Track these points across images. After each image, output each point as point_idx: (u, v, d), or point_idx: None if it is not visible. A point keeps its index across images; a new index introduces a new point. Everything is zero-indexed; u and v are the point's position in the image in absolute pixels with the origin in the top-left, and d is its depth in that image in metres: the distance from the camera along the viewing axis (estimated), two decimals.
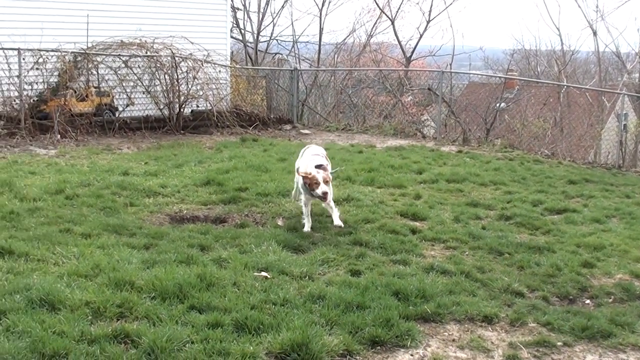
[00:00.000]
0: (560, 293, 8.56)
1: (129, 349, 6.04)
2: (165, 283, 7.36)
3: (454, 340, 7.05)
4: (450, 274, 8.84)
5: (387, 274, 8.55)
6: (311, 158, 10.92)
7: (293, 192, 12.04)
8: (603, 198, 14.97)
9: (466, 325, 7.42)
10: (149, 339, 6.02)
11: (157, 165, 15.50)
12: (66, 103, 19.70)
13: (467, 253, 10.09)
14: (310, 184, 10.26)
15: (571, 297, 8.59)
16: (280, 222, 10.99)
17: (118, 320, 6.70)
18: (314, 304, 7.39)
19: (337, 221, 10.67)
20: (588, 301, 8.56)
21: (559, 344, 7.17)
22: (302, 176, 10.37)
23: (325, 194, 10.19)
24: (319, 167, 10.47)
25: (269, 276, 8.15)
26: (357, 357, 6.49)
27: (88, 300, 6.90)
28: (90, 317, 6.63)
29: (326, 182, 10.22)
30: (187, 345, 6.11)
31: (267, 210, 11.74)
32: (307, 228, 10.51)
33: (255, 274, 8.17)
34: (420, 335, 7.04)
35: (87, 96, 20.57)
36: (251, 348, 6.18)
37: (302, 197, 10.66)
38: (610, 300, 8.61)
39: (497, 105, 26.15)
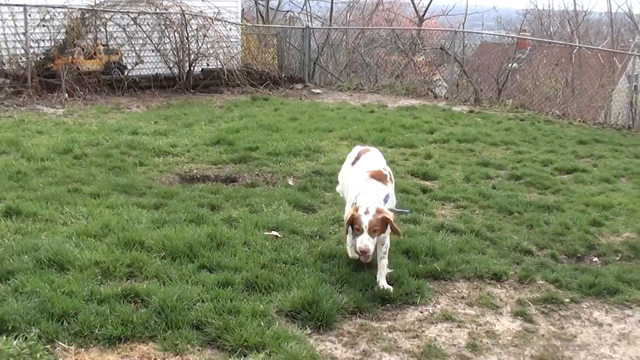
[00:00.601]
0: (569, 251, 8.58)
1: (138, 309, 6.08)
2: (175, 242, 7.39)
3: (463, 297, 7.09)
4: (460, 233, 8.87)
5: None
6: (367, 176, 7.36)
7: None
8: (612, 158, 14.93)
9: (475, 283, 7.46)
10: (159, 298, 6.06)
11: (166, 125, 15.49)
12: (74, 61, 19.54)
13: (477, 212, 10.10)
14: (351, 225, 6.90)
15: (579, 255, 8.62)
16: (290, 182, 11.00)
17: (128, 279, 6.74)
18: (325, 263, 7.42)
19: (381, 281, 7.03)
20: (596, 259, 8.59)
21: (567, 300, 7.21)
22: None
23: (364, 252, 6.73)
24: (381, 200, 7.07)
25: (279, 235, 8.17)
26: (367, 315, 6.53)
27: (97, 260, 6.93)
28: (99, 277, 6.67)
29: (374, 230, 6.70)
30: (197, 304, 6.15)
31: (277, 169, 11.74)
32: (350, 253, 7.42)
33: (266, 233, 8.19)
34: (429, 293, 7.08)
35: (95, 54, 20.37)
36: (261, 306, 6.22)
37: (348, 237, 7.39)
38: (618, 258, 8.64)
39: (509, 65, 26.02)
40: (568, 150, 15.32)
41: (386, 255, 7.15)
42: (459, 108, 20.73)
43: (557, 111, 21.85)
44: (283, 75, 24.35)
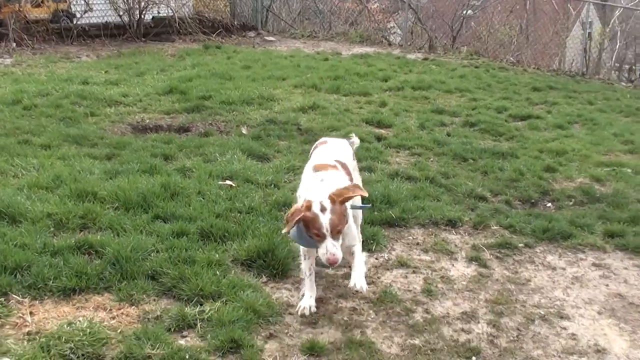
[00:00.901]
0: (523, 197, 8.66)
1: (93, 260, 6.01)
2: (128, 193, 7.31)
3: (418, 243, 7.13)
4: (414, 180, 8.89)
5: None
6: (320, 164, 5.99)
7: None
8: (566, 105, 15.07)
9: (430, 229, 7.50)
10: (113, 249, 5.99)
11: (118, 74, 15.24)
12: (20, 9, 19.15)
13: (431, 159, 10.14)
14: (307, 227, 5.25)
15: (533, 200, 8.70)
16: (244, 131, 10.93)
17: (81, 231, 6.66)
18: (280, 212, 7.39)
19: (358, 280, 5.45)
20: (549, 204, 8.68)
21: (521, 245, 7.29)
22: (296, 210, 5.26)
23: (331, 261, 5.12)
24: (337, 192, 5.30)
25: (233, 185, 8.13)
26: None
27: (50, 212, 6.83)
28: (52, 229, 6.57)
29: (337, 231, 5.14)
30: (152, 254, 6.09)
31: (231, 118, 11.65)
32: (306, 302, 5.62)
33: (220, 182, 8.14)
34: (385, 240, 7.11)
35: (42, 2, 19.98)
36: (217, 256, 6.19)
37: (300, 244, 5.75)
38: (571, 203, 8.74)
39: (464, 12, 25.99)
40: (522, 97, 15.42)
41: (358, 246, 5.79)
42: (414, 55, 20.71)
43: (511, 58, 21.96)
44: (235, 23, 24.07)
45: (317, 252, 5.30)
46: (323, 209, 5.08)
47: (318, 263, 5.63)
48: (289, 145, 10.15)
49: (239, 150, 9.46)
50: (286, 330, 5.32)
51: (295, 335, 5.25)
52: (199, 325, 5.16)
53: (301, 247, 5.68)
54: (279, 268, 6.16)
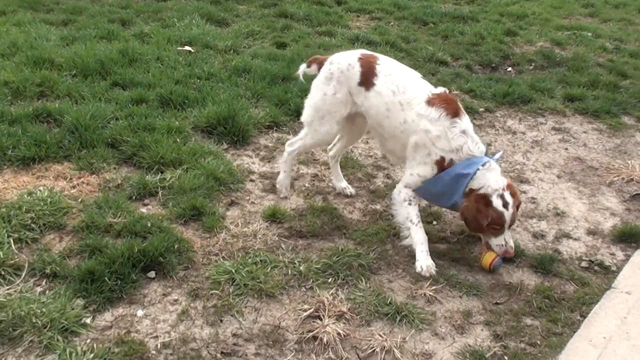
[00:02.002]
0: (483, 61, 8.65)
1: (52, 128, 5.94)
2: (86, 60, 7.18)
3: None
4: (375, 45, 8.82)
5: (312, 46, 8.49)
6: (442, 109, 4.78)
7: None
8: None
9: None
10: (72, 117, 5.90)
11: None
12: None
13: (392, 23, 10.05)
14: (485, 225, 4.70)
15: (494, 65, 8.70)
16: None
17: (39, 99, 6.56)
18: (240, 78, 7.33)
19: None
20: (510, 69, 8.69)
21: (481, 109, 7.33)
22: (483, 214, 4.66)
23: (509, 254, 4.79)
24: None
25: (192, 50, 8.02)
26: (284, 128, 6.53)
27: (6, 80, 6.70)
28: (9, 98, 6.47)
29: (514, 222, 4.90)
30: (111, 122, 6.03)
31: None
32: (425, 261, 4.72)
33: (179, 48, 8.03)
34: None
35: None
36: (177, 123, 6.15)
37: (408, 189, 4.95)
38: (531, 67, 8.76)
39: None
40: None
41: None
42: None
43: None
44: None
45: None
46: (506, 205, 4.63)
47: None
48: (248, 10, 9.99)
49: (197, 15, 9.30)
50: (248, 197, 5.34)
51: (257, 202, 5.28)
52: (160, 193, 5.15)
53: (405, 191, 4.94)
54: (239, 135, 6.14)
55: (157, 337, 3.82)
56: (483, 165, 4.67)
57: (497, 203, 4.60)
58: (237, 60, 7.73)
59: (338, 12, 10.26)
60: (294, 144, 5.39)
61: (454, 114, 4.74)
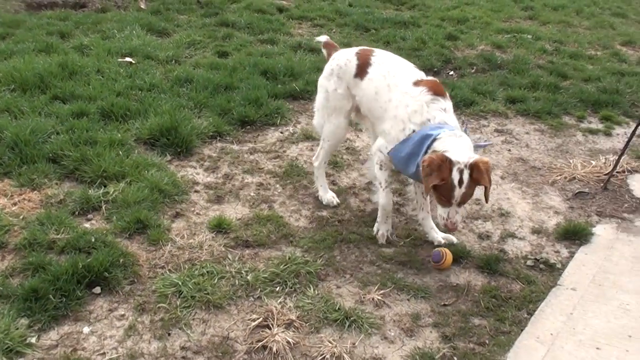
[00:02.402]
0: (426, 66, 8.68)
1: None
2: (24, 74, 7.06)
3: None
4: (317, 52, 8.82)
5: (254, 54, 8.48)
6: (425, 91, 4.86)
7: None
8: None
9: None
10: (11, 132, 5.78)
11: None
12: None
13: (334, 30, 10.07)
14: (436, 189, 4.59)
15: (436, 69, 8.76)
16: (142, 5, 10.64)
17: None
18: (182, 88, 7.29)
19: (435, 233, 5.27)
20: (452, 72, 8.76)
21: None
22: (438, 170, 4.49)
23: (449, 227, 4.66)
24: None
25: (133, 61, 7.95)
26: (228, 138, 6.50)
27: None
28: None
29: (464, 202, 4.69)
30: (52, 136, 5.93)
31: None
32: (384, 228, 5.19)
33: (120, 60, 7.95)
34: (289, 113, 7.09)
35: None
36: (119, 135, 6.07)
37: (381, 153, 5.07)
38: (473, 70, 8.84)
39: None
40: None
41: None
42: None
43: None
44: None
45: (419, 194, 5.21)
46: (461, 182, 4.47)
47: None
48: (189, 19, 9.94)
49: (137, 26, 9.23)
50: (193, 208, 5.30)
51: (202, 213, 5.24)
52: (103, 207, 5.09)
53: (379, 154, 5.04)
54: (182, 146, 6.09)
55: (104, 354, 3.77)
56: (452, 131, 4.64)
57: (454, 175, 4.47)
58: (178, 71, 7.68)
59: (280, 19, 10.26)
60: (318, 156, 5.62)
61: (437, 93, 4.81)
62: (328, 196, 5.60)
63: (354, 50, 5.43)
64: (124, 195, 5.18)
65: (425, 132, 4.66)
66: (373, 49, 5.47)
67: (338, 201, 5.61)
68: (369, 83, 5.17)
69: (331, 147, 5.62)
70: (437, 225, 5.10)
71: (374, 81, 5.13)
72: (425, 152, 4.59)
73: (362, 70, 5.25)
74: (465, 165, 4.48)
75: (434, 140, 4.59)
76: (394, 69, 5.11)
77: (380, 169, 5.06)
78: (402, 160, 4.81)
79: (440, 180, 4.45)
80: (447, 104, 4.82)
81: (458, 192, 4.50)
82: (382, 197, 5.09)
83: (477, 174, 4.49)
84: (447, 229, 4.71)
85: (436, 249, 4.83)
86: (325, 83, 5.45)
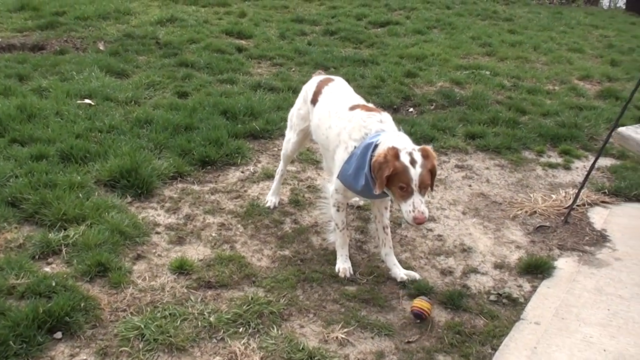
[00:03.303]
0: (385, 103, 8.73)
1: None
2: None
3: None
4: (277, 91, 8.87)
5: (214, 94, 8.48)
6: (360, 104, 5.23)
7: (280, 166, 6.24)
8: (425, 10, 15.27)
9: None
10: None
11: None
12: None
13: (293, 69, 10.11)
14: (390, 180, 4.59)
15: (395, 106, 8.81)
16: (101, 47, 10.62)
17: None
18: (142, 129, 7.26)
19: (397, 269, 5.18)
20: (412, 109, 8.82)
21: None
22: (385, 161, 4.57)
23: (418, 220, 4.56)
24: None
25: (92, 103, 7.91)
26: (188, 179, 6.48)
27: None
28: None
29: (425, 187, 4.65)
30: (11, 180, 5.87)
31: (87, 34, 11.28)
32: (344, 264, 5.17)
33: (79, 101, 7.91)
34: (250, 152, 7.09)
35: None
36: (79, 178, 6.02)
37: (351, 187, 4.98)
38: (432, 107, 8.91)
39: None
40: (381, 3, 15.52)
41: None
42: None
43: None
44: None
45: (380, 206, 5.15)
46: (413, 162, 4.51)
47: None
48: (148, 60, 9.93)
49: (96, 67, 9.20)
50: (154, 250, 5.26)
51: (163, 255, 5.20)
52: (64, 250, 5.04)
53: (336, 197, 5.10)
54: (143, 187, 6.06)
55: None
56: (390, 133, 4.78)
57: (404, 157, 4.49)
58: (138, 112, 7.66)
59: (239, 59, 10.29)
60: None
61: (372, 110, 5.05)
62: (272, 199, 6.13)
63: (318, 78, 5.78)
64: (85, 238, 5.13)
65: (365, 143, 4.76)
66: (334, 78, 5.77)
67: (276, 204, 6.11)
68: (317, 111, 5.48)
69: (284, 157, 6.11)
70: (406, 223, 4.96)
71: (320, 109, 5.43)
72: (371, 159, 4.65)
73: (315, 97, 5.56)
74: (413, 149, 4.59)
75: (376, 146, 4.67)
76: (337, 98, 5.33)
77: (338, 210, 5.14)
78: (351, 177, 4.84)
79: (391, 168, 4.50)
80: (384, 116, 4.98)
81: (414, 173, 4.49)
82: (339, 238, 5.21)
83: (426, 154, 4.59)
84: (417, 223, 4.58)
85: (414, 306, 4.71)
86: (297, 102, 5.92)
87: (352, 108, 5.09)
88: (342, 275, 5.09)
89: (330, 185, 5.19)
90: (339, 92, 5.45)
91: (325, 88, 5.52)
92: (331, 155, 5.16)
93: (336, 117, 5.13)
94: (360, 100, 5.31)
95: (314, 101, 5.56)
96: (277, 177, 6.16)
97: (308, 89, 5.72)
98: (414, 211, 4.50)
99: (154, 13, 12.78)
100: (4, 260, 4.78)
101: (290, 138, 5.95)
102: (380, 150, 4.61)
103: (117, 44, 10.64)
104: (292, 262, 5.26)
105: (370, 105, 5.23)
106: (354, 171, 4.79)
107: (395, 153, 4.53)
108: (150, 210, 5.85)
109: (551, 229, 6.15)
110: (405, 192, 4.53)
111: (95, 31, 11.48)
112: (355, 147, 4.84)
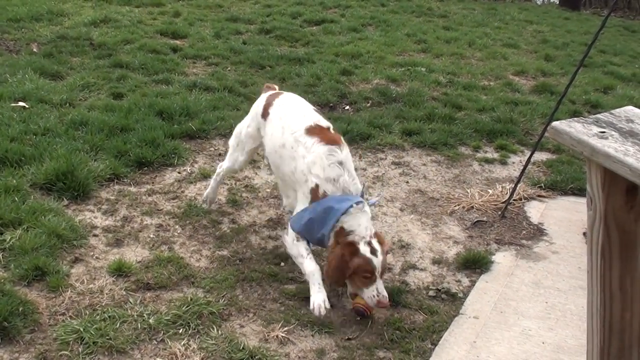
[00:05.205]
0: (321, 101, 8.77)
1: None
2: None
3: (220, 154, 7.10)
4: (213, 90, 8.85)
5: (150, 95, 8.42)
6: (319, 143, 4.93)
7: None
8: (359, 7, 15.35)
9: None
10: None
11: None
12: None
13: (229, 68, 10.10)
14: (354, 273, 4.62)
15: (332, 104, 8.86)
16: (35, 48, 10.47)
17: None
18: (77, 131, 7.18)
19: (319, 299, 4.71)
20: (348, 107, 8.88)
21: None
22: (340, 262, 4.61)
23: (383, 304, 4.63)
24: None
25: (27, 106, 7.81)
26: (125, 180, 6.44)
27: None
28: None
29: (385, 270, 4.85)
30: None
31: (20, 36, 11.09)
32: (319, 298, 4.66)
33: (13, 104, 7.80)
34: (187, 153, 7.07)
35: None
36: (14, 181, 5.94)
37: (298, 241, 4.99)
38: (369, 104, 8.97)
39: None
40: (316, 1, 15.52)
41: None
42: None
43: None
44: None
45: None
46: (374, 251, 4.59)
47: None
48: (82, 62, 9.83)
49: (30, 70, 9.06)
50: (92, 253, 5.22)
51: (101, 257, 5.17)
52: (0, 255, 4.97)
53: (292, 232, 4.98)
54: (79, 190, 6.00)
55: None
56: (357, 204, 4.69)
57: (364, 249, 4.57)
58: (73, 114, 7.57)
59: (174, 59, 10.23)
60: (222, 167, 5.95)
61: (331, 142, 4.87)
62: (208, 194, 6.07)
63: (268, 93, 5.68)
64: (21, 242, 5.07)
65: (328, 204, 4.71)
66: (284, 93, 5.70)
67: (215, 203, 6.10)
68: (268, 126, 5.32)
69: (226, 172, 5.99)
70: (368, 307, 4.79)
71: (272, 123, 5.27)
72: (333, 227, 4.68)
73: (265, 111, 5.40)
74: (370, 237, 4.64)
75: (342, 214, 4.65)
76: (289, 111, 5.25)
77: (297, 241, 4.96)
78: (305, 227, 4.84)
79: (352, 269, 4.54)
80: (344, 153, 4.87)
81: (377, 262, 4.56)
82: (307, 266, 4.84)
83: (381, 240, 4.71)
84: (381, 307, 4.62)
85: (356, 303, 4.71)
86: (246, 119, 5.75)
87: (310, 131, 4.95)
88: (317, 314, 4.60)
89: (287, 237, 5.05)
90: (292, 105, 5.38)
91: (276, 100, 5.41)
92: (287, 177, 5.10)
93: (291, 136, 5.02)
94: (316, 116, 5.17)
95: (264, 115, 5.40)
96: (216, 178, 6.02)
97: (258, 104, 5.57)
98: (378, 296, 4.56)
99: (87, 14, 12.63)
100: None
101: (237, 157, 5.76)
102: (332, 254, 4.64)
103: (50, 45, 10.49)
104: (230, 262, 5.27)
105: (327, 124, 5.12)
106: (309, 222, 4.79)
107: (352, 250, 4.57)
108: (87, 213, 5.80)
109: (488, 223, 6.25)
110: (369, 280, 4.56)
111: (29, 33, 11.29)
112: (316, 185, 4.79)
